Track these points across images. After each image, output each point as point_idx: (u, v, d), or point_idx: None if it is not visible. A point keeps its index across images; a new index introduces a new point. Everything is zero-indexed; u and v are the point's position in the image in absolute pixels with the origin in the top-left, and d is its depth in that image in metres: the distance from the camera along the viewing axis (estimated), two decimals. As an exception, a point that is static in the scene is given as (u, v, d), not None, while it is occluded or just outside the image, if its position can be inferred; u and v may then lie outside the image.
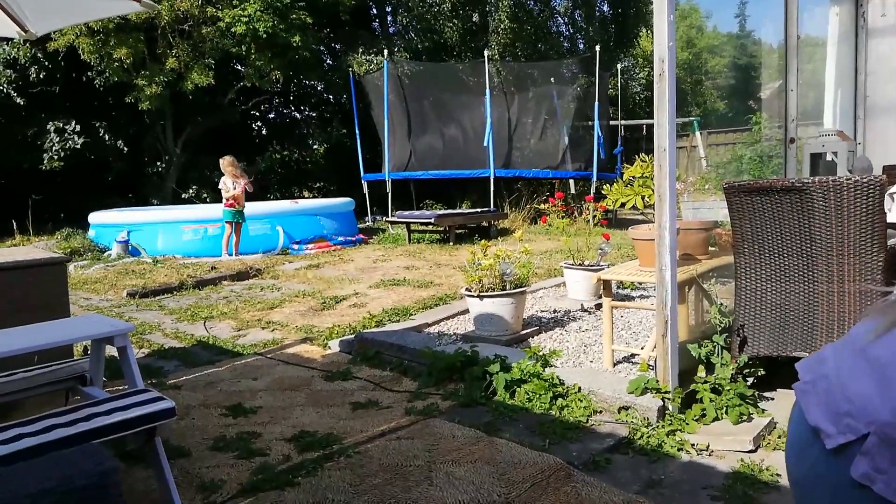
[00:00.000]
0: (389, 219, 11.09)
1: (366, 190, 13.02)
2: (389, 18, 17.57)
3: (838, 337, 2.96)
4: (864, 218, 2.83)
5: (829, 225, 2.89)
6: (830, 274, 2.96)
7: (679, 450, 2.69)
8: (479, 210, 11.40)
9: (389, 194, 12.31)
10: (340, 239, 9.90)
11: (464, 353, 3.49)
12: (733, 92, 24.20)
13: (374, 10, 17.31)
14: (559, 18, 17.36)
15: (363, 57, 13.97)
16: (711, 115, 23.05)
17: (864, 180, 2.81)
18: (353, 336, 4.30)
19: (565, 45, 17.22)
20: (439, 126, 13.21)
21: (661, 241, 2.93)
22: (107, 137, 14.26)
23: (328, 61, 16.45)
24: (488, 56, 12.17)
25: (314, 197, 16.19)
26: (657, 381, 3.02)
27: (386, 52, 12.87)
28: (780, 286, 3.09)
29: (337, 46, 16.10)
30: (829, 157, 4.13)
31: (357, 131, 13.12)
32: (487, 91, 11.87)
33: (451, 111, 13.26)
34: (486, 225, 10.57)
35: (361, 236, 10.43)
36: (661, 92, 2.85)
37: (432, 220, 9.53)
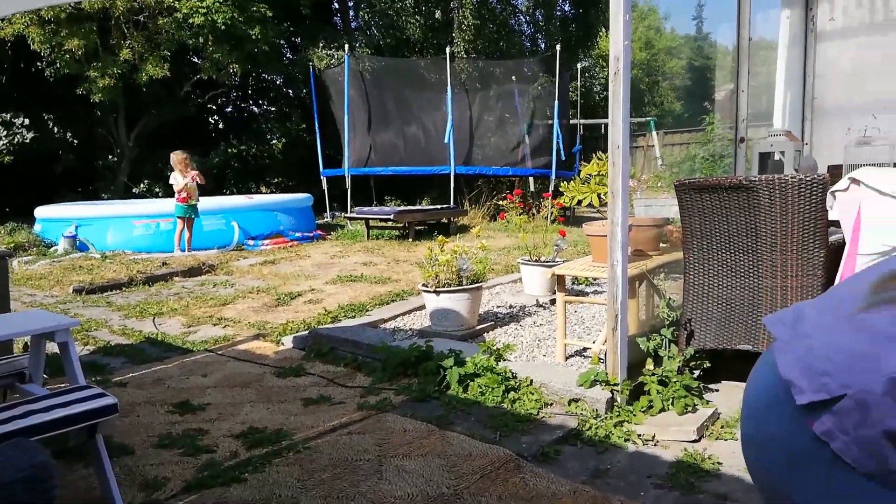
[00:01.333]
0: (348, 215, 10.96)
1: (325, 185, 12.83)
2: (351, 13, 17.30)
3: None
4: (807, 215, 2.92)
5: (774, 221, 2.98)
6: (774, 269, 3.05)
7: (626, 440, 2.74)
8: (438, 207, 11.37)
9: (349, 190, 12.16)
10: (297, 234, 9.77)
11: (418, 348, 3.48)
12: (689, 93, 24.71)
13: (336, 5, 17.04)
14: (521, 17, 17.41)
15: (324, 52, 13.77)
16: (668, 115, 23.49)
17: (808, 178, 2.90)
18: (307, 332, 4.25)
19: (526, 43, 17.24)
20: (401, 122, 13.08)
21: (613, 237, 2.96)
22: (56, 130, 13.80)
23: (288, 55, 16.22)
24: (450, 53, 12.13)
25: (272, 192, 15.95)
26: (606, 374, 3.06)
27: (347, 46, 12.68)
28: (726, 281, 3.17)
29: (297, 40, 15.87)
30: (777, 157, 4.26)
31: (317, 126, 12.91)
32: (449, 88, 11.84)
33: (412, 107, 13.14)
34: (446, 221, 10.56)
35: (319, 232, 10.29)
36: (615, 90, 2.87)
37: (391, 217, 9.48)
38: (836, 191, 3.00)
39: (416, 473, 2.39)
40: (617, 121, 2.87)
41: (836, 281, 2.97)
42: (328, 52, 13.75)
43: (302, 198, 11.13)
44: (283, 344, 4.27)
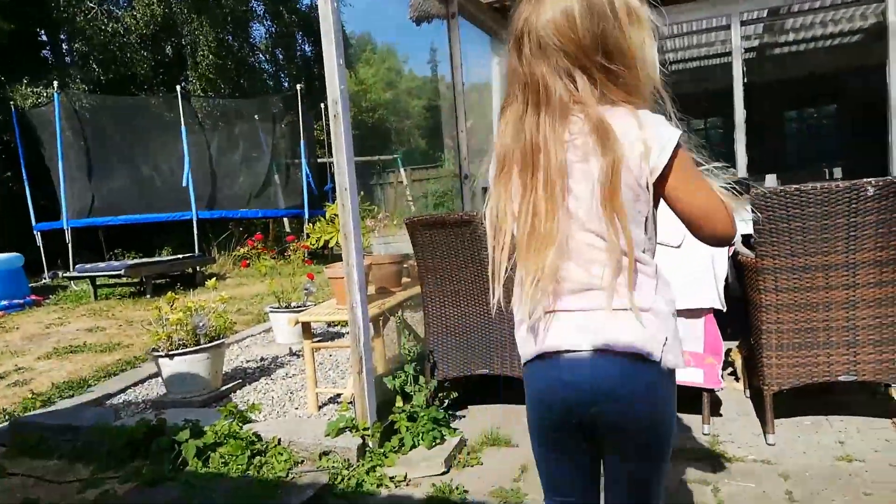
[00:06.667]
0: (69, 274, 9.62)
1: (40, 242, 11.21)
2: (65, 46, 15.36)
3: (511, 352, 3.16)
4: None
5: (495, 251, 3.10)
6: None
7: (379, 486, 2.68)
8: (181, 256, 10.17)
9: (70, 245, 10.82)
10: (3, 303, 8.37)
11: (147, 424, 3.20)
12: (430, 131, 25.71)
13: (45, 37, 15.03)
14: (261, 55, 17.05)
15: (29, 89, 12.24)
16: (415, 152, 24.40)
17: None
18: (6, 423, 3.68)
19: (269, 81, 16.94)
20: (130, 166, 11.93)
21: (350, 279, 2.92)
22: None
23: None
24: (182, 90, 11.59)
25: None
26: (353, 419, 3.01)
27: (57, 83, 11.14)
28: (461, 311, 3.27)
29: None
30: None
31: (24, 174, 11.35)
32: (183, 127, 11.30)
33: (143, 149, 12.11)
34: (192, 272, 9.72)
35: (33, 297, 8.95)
36: (337, 132, 2.85)
37: (122, 272, 8.60)
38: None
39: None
40: (342, 163, 2.84)
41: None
42: (35, 89, 12.22)
43: (8, 258, 9.14)
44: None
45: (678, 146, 1.13)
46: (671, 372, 1.21)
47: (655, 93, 1.18)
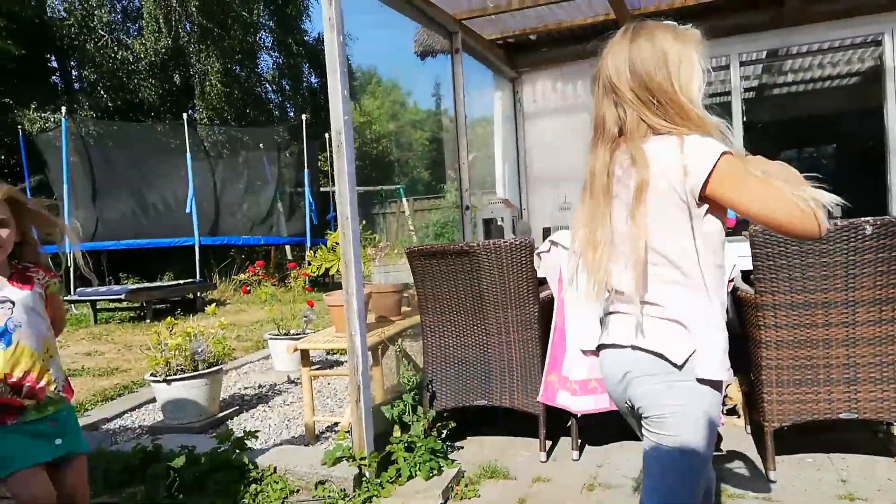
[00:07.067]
0: (69, 297, 9.49)
1: None
2: (74, 73, 15.47)
3: (510, 383, 3.16)
4: (520, 275, 3.09)
5: (494, 282, 3.13)
6: (499, 326, 3.19)
7: None
8: (181, 282, 10.30)
9: (71, 268, 11.14)
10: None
11: (143, 450, 3.17)
12: (434, 162, 26.10)
13: (55, 63, 15.31)
14: (268, 86, 17.45)
15: (37, 113, 12.56)
16: (418, 183, 24.72)
17: (517, 243, 3.09)
18: None
19: (275, 111, 17.24)
20: (136, 192, 12.05)
21: (350, 307, 2.91)
22: None
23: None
24: (188, 118, 11.64)
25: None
26: (350, 448, 2.98)
27: (64, 109, 11.22)
28: (460, 341, 3.27)
29: (7, 101, 13.44)
30: (499, 223, 4.61)
31: (29, 197, 11.63)
32: (188, 154, 11.37)
33: (148, 175, 12.18)
34: (192, 297, 9.80)
35: None
36: (340, 162, 2.85)
37: (123, 296, 8.60)
38: (541, 252, 3.24)
39: None
40: (344, 192, 2.85)
41: (552, 333, 3.15)
42: (42, 114, 12.51)
43: (7, 282, 9.57)
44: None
45: (718, 162, 1.29)
46: (704, 381, 1.37)
47: (700, 120, 1.35)
